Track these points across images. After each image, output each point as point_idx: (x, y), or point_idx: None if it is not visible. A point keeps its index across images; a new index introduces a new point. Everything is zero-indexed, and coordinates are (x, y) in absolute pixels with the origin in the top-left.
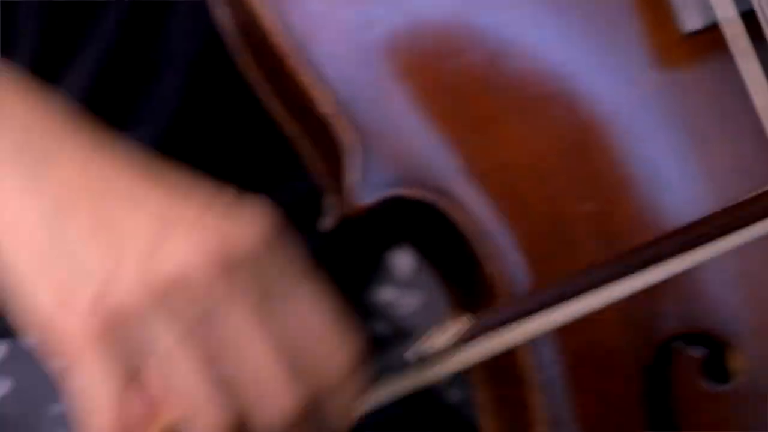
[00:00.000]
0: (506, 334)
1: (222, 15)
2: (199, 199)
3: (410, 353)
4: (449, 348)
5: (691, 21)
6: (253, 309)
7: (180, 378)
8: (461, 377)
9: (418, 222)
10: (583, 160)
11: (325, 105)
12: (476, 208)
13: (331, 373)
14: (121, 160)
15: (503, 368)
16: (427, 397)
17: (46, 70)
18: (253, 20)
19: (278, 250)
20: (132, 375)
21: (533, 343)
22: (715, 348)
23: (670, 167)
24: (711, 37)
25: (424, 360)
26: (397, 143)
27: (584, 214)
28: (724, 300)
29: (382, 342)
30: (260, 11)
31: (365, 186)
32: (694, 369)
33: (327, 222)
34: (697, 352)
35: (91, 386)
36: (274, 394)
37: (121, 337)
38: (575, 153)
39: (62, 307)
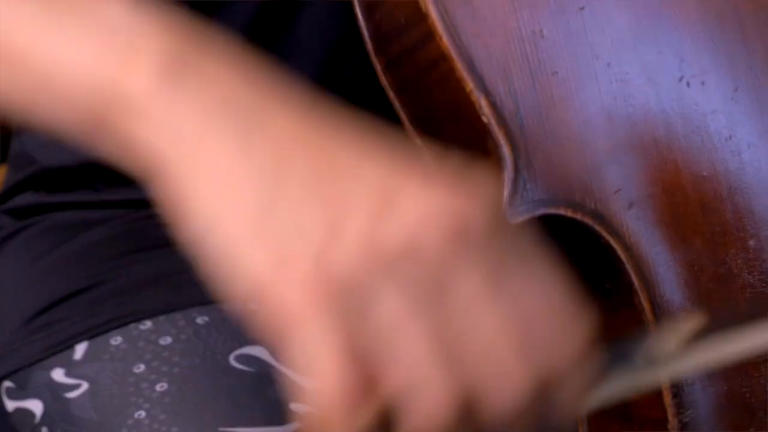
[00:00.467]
0: (741, 337)
1: (361, 19)
2: (424, 161)
3: (645, 347)
4: (685, 346)
5: None
6: (484, 280)
7: (405, 350)
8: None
9: (564, 247)
10: (750, 197)
11: (485, 114)
12: (637, 233)
13: (563, 356)
14: (335, 117)
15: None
16: None
17: None
18: (417, 24)
19: (502, 218)
20: (353, 345)
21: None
22: None
23: None
24: None
25: (660, 356)
26: (556, 159)
27: (745, 248)
28: None
29: None
30: (431, 13)
31: (518, 203)
32: None
33: None
34: None
35: (311, 356)
36: (504, 373)
37: (344, 305)
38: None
39: (280, 273)
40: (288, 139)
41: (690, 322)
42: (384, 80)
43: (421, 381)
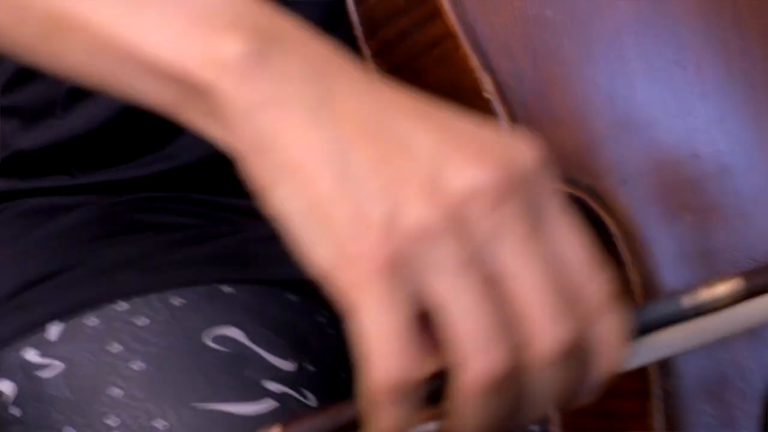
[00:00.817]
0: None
1: (351, 5)
2: (472, 122)
3: (685, 300)
4: (726, 302)
5: None
6: (529, 232)
7: (462, 307)
8: None
9: None
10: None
11: (488, 91)
12: (629, 208)
13: (594, 306)
14: (390, 89)
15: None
16: None
17: None
18: (420, 3)
19: (549, 175)
20: (414, 308)
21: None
22: None
23: None
24: None
25: (699, 309)
26: (555, 136)
27: (732, 227)
28: None
29: None
30: None
31: None
32: None
33: None
34: None
35: (378, 316)
36: (547, 327)
37: (409, 262)
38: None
39: (355, 233)
40: (355, 116)
41: (729, 283)
42: (371, 66)
43: (474, 344)
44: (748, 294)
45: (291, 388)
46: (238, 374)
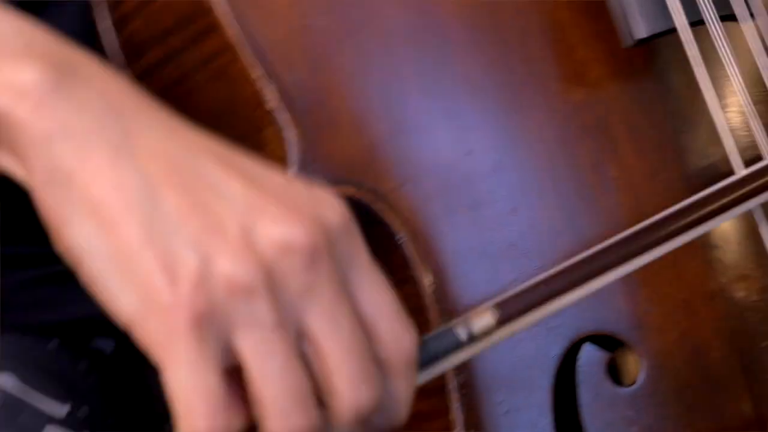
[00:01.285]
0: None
1: (109, 33)
2: (279, 173)
3: (460, 332)
4: (493, 327)
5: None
6: (339, 292)
7: (268, 371)
8: None
9: None
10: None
11: (271, 100)
12: (410, 208)
13: (399, 364)
14: (194, 133)
15: None
16: None
17: None
18: (192, 21)
19: (355, 233)
20: (225, 363)
21: None
22: (619, 350)
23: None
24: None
25: (474, 338)
26: (337, 141)
27: (508, 222)
28: (629, 304)
29: None
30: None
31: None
32: (599, 370)
33: None
34: (602, 354)
35: (187, 375)
36: (352, 391)
37: (218, 318)
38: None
39: (163, 284)
40: (160, 156)
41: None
42: None
43: (277, 410)
44: (506, 318)
45: (69, 430)
46: (15, 421)
